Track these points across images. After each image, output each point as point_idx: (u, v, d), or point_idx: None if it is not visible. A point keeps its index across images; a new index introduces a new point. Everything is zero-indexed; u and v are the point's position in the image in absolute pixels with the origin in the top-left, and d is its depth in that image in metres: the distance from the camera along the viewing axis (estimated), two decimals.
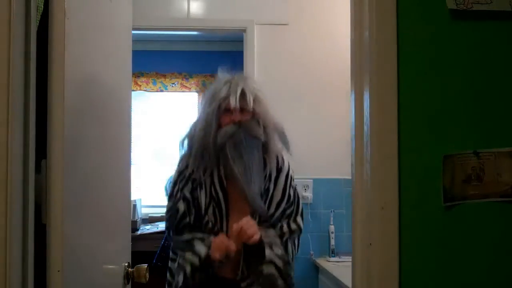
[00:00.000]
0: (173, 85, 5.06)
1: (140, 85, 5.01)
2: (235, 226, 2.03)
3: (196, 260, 2.06)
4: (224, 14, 3.44)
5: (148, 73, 5.02)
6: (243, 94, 2.13)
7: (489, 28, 1.28)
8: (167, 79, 5.05)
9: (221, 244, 2.04)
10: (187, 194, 2.16)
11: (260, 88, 2.24)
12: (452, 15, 1.27)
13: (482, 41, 1.28)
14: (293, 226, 2.20)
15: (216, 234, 2.10)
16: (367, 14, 1.29)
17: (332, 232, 3.26)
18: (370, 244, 1.27)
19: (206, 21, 3.47)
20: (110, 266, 1.66)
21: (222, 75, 2.24)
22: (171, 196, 2.23)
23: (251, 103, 2.13)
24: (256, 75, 3.35)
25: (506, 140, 1.27)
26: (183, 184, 2.18)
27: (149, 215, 4.52)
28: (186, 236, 2.13)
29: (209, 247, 2.06)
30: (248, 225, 2.04)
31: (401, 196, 1.26)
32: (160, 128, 5.03)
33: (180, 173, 2.21)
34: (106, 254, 1.63)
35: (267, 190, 2.18)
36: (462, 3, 1.26)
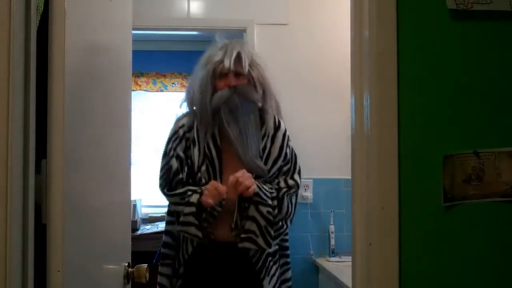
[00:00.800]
0: (173, 85, 5.06)
1: (140, 85, 5.00)
2: (231, 178, 2.04)
3: (193, 209, 2.06)
4: (224, 14, 3.44)
5: (148, 73, 5.01)
6: (238, 57, 2.12)
7: (489, 28, 1.28)
8: (167, 79, 5.05)
9: (213, 189, 2.04)
10: (180, 153, 2.17)
11: (258, 53, 2.24)
12: (452, 15, 1.27)
13: (482, 41, 1.28)
14: (290, 182, 2.20)
15: None
16: (367, 14, 1.29)
17: (332, 232, 3.26)
18: (370, 244, 1.27)
19: (206, 21, 3.46)
20: (110, 266, 1.66)
21: (220, 39, 2.24)
22: (164, 155, 2.24)
23: (246, 67, 2.12)
24: None
25: (506, 140, 1.27)
26: (177, 143, 2.20)
27: (149, 215, 4.51)
28: (180, 190, 2.13)
29: (201, 194, 2.05)
30: (245, 177, 2.04)
31: (401, 196, 1.26)
32: (160, 128, 5.02)
33: (174, 132, 2.23)
34: (106, 254, 1.63)
35: (264, 147, 2.18)
36: (462, 3, 1.26)
